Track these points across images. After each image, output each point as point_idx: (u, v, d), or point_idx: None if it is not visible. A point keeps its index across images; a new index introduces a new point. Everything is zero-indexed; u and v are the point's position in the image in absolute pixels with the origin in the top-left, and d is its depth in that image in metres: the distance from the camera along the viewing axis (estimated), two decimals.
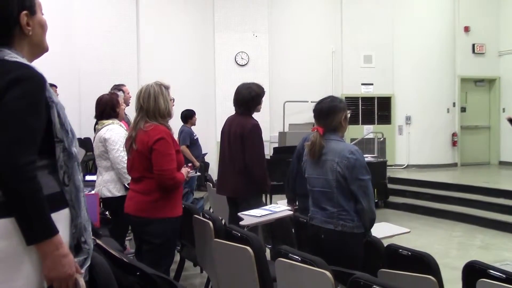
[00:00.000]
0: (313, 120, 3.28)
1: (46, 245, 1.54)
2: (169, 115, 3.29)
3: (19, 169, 1.49)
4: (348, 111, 3.23)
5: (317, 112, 3.18)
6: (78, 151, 1.74)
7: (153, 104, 3.21)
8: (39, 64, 1.82)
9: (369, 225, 3.05)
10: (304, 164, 3.32)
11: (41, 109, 1.61)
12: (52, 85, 6.98)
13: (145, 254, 3.27)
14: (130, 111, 4.77)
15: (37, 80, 1.61)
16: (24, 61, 1.64)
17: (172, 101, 3.48)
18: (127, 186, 4.15)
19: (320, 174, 3.11)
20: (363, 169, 3.01)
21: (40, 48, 1.77)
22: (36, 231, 1.53)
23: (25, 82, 1.56)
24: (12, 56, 1.63)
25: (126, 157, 4.12)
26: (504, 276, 2.44)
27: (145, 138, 3.18)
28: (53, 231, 1.56)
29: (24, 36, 1.70)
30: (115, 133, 4.23)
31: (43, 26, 1.76)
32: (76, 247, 1.72)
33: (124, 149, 3.77)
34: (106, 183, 4.25)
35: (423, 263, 2.84)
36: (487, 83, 12.29)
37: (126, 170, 4.08)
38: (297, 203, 4.46)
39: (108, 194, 4.24)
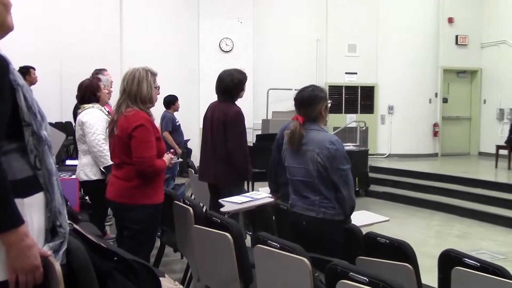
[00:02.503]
0: None
1: (11, 235, 1.49)
2: (150, 101, 3.24)
3: None
4: (329, 101, 3.23)
5: (297, 101, 3.18)
6: (48, 134, 1.69)
7: (136, 88, 3.15)
8: (22, 47, 1.78)
9: (349, 213, 3.12)
10: (283, 153, 3.32)
11: (4, 93, 1.55)
12: (30, 68, 6.91)
13: (125, 239, 3.26)
14: (113, 97, 4.74)
15: None
16: None
17: (157, 89, 3.43)
18: (103, 170, 4.15)
19: (300, 164, 3.13)
20: (343, 159, 3.04)
21: (4, 28, 1.68)
22: (1, 221, 1.48)
23: None
24: None
25: (102, 141, 4.13)
26: (478, 264, 2.49)
27: (125, 124, 3.13)
28: (19, 221, 1.51)
29: None
30: (92, 117, 4.24)
31: (6, 5, 1.68)
32: (52, 231, 1.70)
33: (106, 132, 3.76)
34: (83, 167, 4.28)
35: (401, 251, 2.87)
36: (469, 74, 12.42)
37: (102, 154, 4.10)
38: (280, 192, 4.46)
39: (85, 178, 4.26)
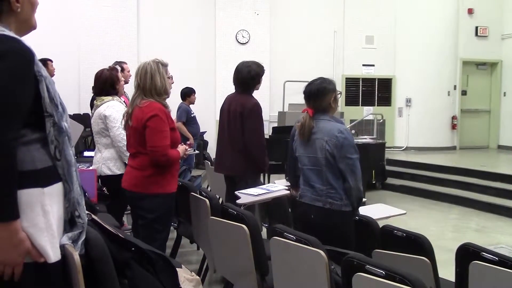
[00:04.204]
0: None
1: (1, 226, 1.49)
2: (165, 92, 3.28)
3: (2, 143, 1.47)
4: (338, 92, 3.24)
5: (306, 94, 3.22)
6: (68, 126, 1.72)
7: (150, 82, 3.20)
8: (40, 39, 1.81)
9: (357, 204, 3.12)
10: (294, 144, 3.36)
11: (29, 83, 1.58)
12: (48, 60, 6.98)
13: (140, 228, 3.33)
14: (130, 89, 4.75)
15: (24, 53, 1.58)
16: (11, 34, 1.61)
17: (171, 78, 3.44)
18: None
19: (310, 153, 3.17)
20: (351, 148, 3.06)
21: (27, 26, 1.74)
22: None
23: (12, 56, 1.54)
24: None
25: None
26: (497, 258, 2.46)
27: (140, 114, 3.19)
28: (14, 215, 1.51)
29: (12, 13, 1.67)
30: (115, 110, 4.14)
31: (33, 4, 1.74)
32: (71, 222, 1.73)
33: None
34: (106, 161, 4.17)
35: (418, 245, 2.86)
36: (489, 66, 12.22)
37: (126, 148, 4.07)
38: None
39: (108, 172, 4.16)
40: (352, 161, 3.04)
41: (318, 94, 3.15)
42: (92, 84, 4.45)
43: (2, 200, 1.49)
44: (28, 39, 1.69)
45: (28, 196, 1.58)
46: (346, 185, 3.05)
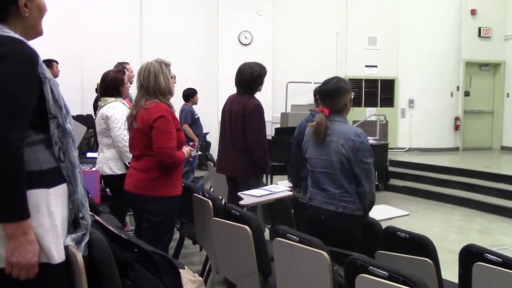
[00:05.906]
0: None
1: (14, 226, 1.51)
2: (170, 93, 3.25)
3: (8, 144, 1.48)
4: (352, 93, 3.20)
5: (322, 93, 3.14)
6: (72, 128, 1.73)
7: (153, 82, 3.17)
8: (44, 40, 1.81)
9: (369, 208, 3.07)
10: (305, 144, 3.30)
11: (33, 84, 1.59)
12: (53, 61, 7.00)
13: (144, 231, 3.27)
14: (132, 90, 4.77)
15: (29, 55, 1.59)
16: (16, 36, 1.62)
17: (173, 78, 3.43)
18: (128, 164, 4.14)
19: (323, 155, 3.09)
20: (367, 152, 3.00)
21: (34, 31, 1.75)
22: (8, 210, 1.51)
23: (16, 57, 1.55)
24: (5, 31, 1.62)
25: (127, 136, 4.10)
26: (500, 260, 2.45)
27: (146, 115, 3.15)
28: (25, 214, 1.53)
29: (20, 17, 1.67)
30: (117, 111, 4.17)
31: (41, 10, 1.74)
32: (74, 223, 1.73)
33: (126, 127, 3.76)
34: (107, 161, 4.21)
35: (421, 246, 2.85)
36: (492, 67, 12.19)
37: (127, 149, 4.07)
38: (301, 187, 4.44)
39: (109, 172, 4.19)
40: (368, 165, 2.99)
41: (335, 93, 3.07)
42: (95, 86, 4.47)
43: (14, 200, 1.51)
44: (31, 41, 1.70)
45: (34, 196, 1.59)
46: (360, 189, 2.99)
